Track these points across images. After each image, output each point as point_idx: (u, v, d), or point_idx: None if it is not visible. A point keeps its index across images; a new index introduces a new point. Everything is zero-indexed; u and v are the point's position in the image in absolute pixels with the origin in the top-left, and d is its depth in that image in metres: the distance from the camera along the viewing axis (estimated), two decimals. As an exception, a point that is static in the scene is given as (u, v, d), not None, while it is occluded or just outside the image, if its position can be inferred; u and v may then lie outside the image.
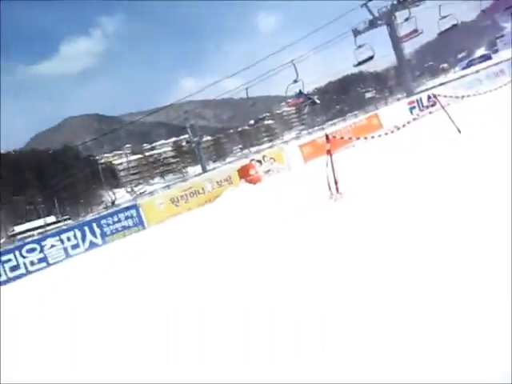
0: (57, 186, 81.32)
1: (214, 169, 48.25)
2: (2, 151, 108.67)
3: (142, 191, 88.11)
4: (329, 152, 8.76)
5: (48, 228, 65.70)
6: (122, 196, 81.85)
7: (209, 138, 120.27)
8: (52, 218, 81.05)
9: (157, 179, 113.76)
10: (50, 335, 6.02)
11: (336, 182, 8.52)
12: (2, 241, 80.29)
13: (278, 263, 5.65)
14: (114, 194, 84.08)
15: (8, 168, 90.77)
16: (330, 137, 8.83)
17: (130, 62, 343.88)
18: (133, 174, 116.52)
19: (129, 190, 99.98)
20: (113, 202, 72.70)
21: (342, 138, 12.06)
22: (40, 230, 68.66)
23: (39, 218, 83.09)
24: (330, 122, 72.99)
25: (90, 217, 50.95)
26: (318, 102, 22.39)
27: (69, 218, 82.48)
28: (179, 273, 7.33)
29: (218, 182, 20.90)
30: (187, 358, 3.76)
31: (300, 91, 21.48)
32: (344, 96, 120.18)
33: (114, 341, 4.90)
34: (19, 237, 73.62)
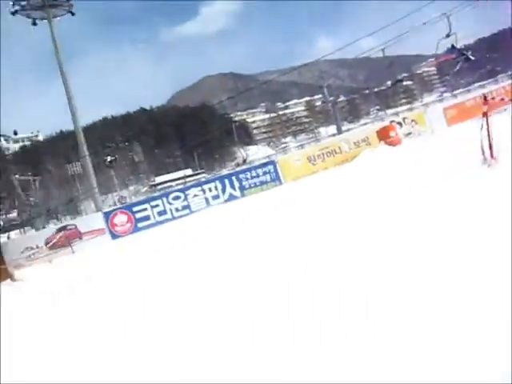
0: (194, 142, 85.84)
1: (348, 130, 47.42)
2: (147, 107, 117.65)
3: (283, 146, 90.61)
4: (485, 114, 8.26)
5: (186, 180, 70.24)
6: (253, 153, 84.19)
7: (343, 98, 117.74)
8: (189, 171, 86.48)
9: (289, 138, 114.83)
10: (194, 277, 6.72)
11: (491, 147, 8.05)
12: (144, 189, 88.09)
13: (420, 229, 5.36)
14: (245, 152, 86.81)
15: (151, 123, 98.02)
16: (489, 98, 8.29)
17: (267, 22, 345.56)
18: (265, 133, 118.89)
19: (271, 144, 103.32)
20: (244, 161, 75.11)
21: (502, 99, 11.15)
22: (178, 182, 73.76)
23: (177, 170, 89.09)
24: (478, 84, 66.96)
25: (224, 172, 53.44)
26: (473, 58, 20.42)
27: (204, 172, 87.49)
28: (319, 228, 7.47)
29: (355, 143, 20.70)
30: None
31: (453, 46, 19.82)
32: (496, 55, 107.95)
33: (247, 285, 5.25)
34: (159, 187, 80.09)
